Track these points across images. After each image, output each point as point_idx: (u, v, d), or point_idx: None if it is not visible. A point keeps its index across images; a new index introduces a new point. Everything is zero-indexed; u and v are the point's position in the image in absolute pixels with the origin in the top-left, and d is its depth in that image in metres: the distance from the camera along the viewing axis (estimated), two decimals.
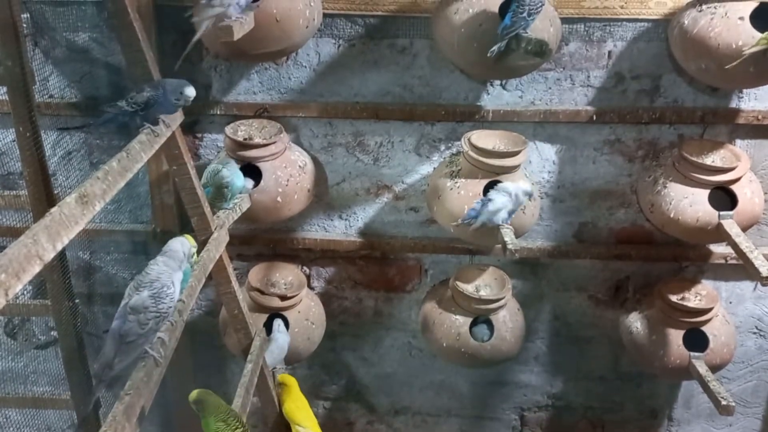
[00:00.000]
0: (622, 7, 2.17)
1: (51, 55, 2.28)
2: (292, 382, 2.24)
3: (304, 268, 2.59)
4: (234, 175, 1.98)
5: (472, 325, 2.33)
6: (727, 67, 1.91)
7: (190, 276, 1.63)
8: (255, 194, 2.13)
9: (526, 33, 1.90)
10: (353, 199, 2.49)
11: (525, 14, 1.85)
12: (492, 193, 2.03)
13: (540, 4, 1.86)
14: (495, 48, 1.89)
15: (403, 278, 2.61)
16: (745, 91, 2.28)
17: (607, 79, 2.29)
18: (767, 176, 2.39)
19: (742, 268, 2.19)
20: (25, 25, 2.14)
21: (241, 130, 2.22)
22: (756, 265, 1.97)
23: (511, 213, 2.03)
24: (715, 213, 2.13)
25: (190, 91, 1.55)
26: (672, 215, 2.17)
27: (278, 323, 2.30)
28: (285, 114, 2.32)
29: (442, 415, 2.86)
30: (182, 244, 1.44)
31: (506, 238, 1.99)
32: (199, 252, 1.77)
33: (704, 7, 2.01)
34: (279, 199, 2.17)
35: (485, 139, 2.18)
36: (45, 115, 2.26)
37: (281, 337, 2.25)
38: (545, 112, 2.30)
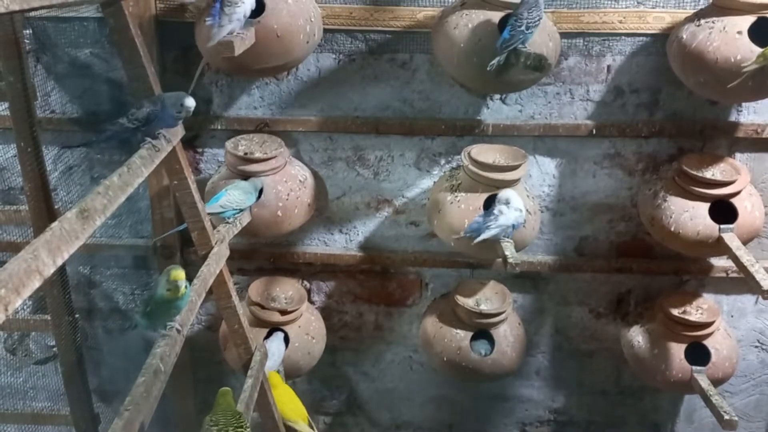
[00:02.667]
0: (620, 22, 2.18)
1: (53, 70, 2.29)
2: (276, 380, 2.21)
3: (305, 282, 2.58)
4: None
5: (473, 339, 2.33)
6: (729, 86, 1.92)
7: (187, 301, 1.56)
8: (255, 209, 2.13)
9: (525, 48, 1.91)
10: (353, 214, 2.49)
11: (523, 27, 1.86)
12: (501, 208, 2.02)
13: (538, 18, 1.87)
14: (494, 62, 1.90)
15: (403, 292, 2.61)
16: (743, 104, 2.28)
17: (606, 93, 2.30)
18: (767, 189, 2.39)
19: (744, 282, 2.18)
20: (27, 41, 2.16)
21: (241, 145, 2.22)
22: (757, 279, 1.96)
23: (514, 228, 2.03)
24: (716, 226, 2.13)
25: (190, 102, 1.55)
26: (672, 229, 2.17)
27: (276, 334, 2.30)
28: (285, 128, 2.33)
29: (444, 430, 2.84)
30: None
31: (507, 252, 1.99)
32: (199, 266, 1.77)
33: (702, 21, 2.02)
34: (279, 213, 2.18)
35: (485, 153, 2.19)
36: (46, 131, 2.27)
37: (275, 343, 2.25)
38: (545, 126, 2.31)
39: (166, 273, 1.50)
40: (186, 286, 1.49)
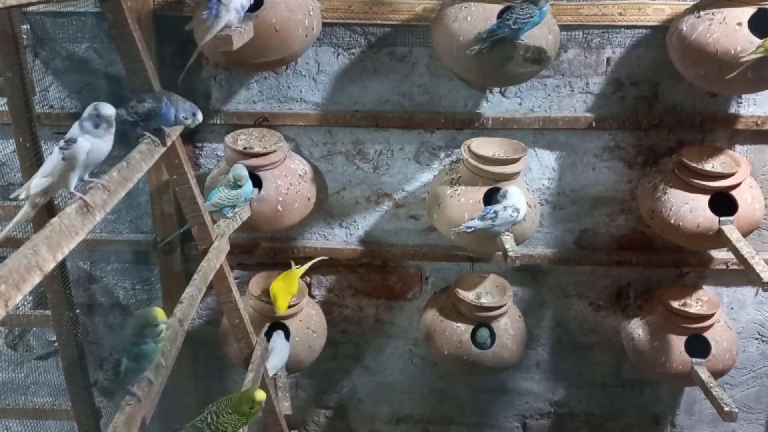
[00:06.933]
0: (620, 14, 2.18)
1: (51, 65, 2.28)
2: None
3: (305, 276, 2.58)
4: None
5: (474, 332, 2.33)
6: (727, 77, 1.91)
7: (158, 350, 1.43)
8: (255, 203, 2.13)
9: (524, 40, 1.91)
10: (353, 208, 2.49)
11: (511, 22, 1.88)
12: (498, 207, 2.03)
13: (528, 16, 1.89)
14: (475, 48, 1.91)
15: (403, 286, 2.61)
16: (743, 96, 2.28)
17: (606, 86, 2.30)
18: (767, 181, 2.39)
19: (744, 274, 2.19)
20: (25, 36, 2.15)
21: (240, 140, 2.22)
22: (757, 271, 1.97)
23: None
24: (716, 219, 2.13)
25: (201, 117, 1.58)
26: (672, 221, 2.17)
27: (278, 333, 2.30)
28: (285, 123, 2.33)
29: (444, 423, 2.85)
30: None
31: (507, 246, 1.99)
32: (199, 261, 1.77)
33: (702, 13, 2.01)
34: (279, 207, 2.18)
35: (485, 146, 2.18)
36: (45, 126, 2.26)
37: (279, 342, 2.25)
38: (544, 119, 2.31)
39: (141, 318, 1.37)
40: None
